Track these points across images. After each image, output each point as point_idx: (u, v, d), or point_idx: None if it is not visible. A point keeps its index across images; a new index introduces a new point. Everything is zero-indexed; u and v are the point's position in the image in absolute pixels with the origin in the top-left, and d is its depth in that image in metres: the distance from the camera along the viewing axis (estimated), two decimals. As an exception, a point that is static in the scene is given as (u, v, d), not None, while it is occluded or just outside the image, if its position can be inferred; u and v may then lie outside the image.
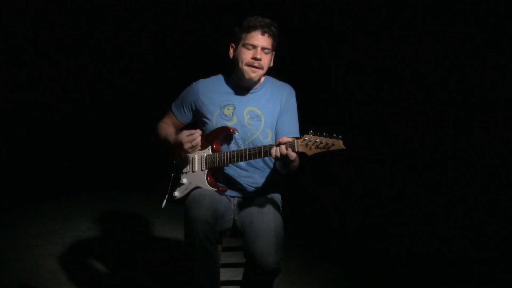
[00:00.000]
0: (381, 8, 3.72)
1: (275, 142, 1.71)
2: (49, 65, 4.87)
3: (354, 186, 3.98)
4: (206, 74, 2.08)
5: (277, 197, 2.02)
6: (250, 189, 1.98)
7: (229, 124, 1.94)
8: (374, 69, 3.87)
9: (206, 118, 1.98)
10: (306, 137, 1.62)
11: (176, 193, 2.01)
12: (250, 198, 1.96)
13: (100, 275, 2.60)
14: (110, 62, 5.07)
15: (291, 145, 1.65)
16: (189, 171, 1.99)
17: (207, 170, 1.94)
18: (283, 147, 1.66)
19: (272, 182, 2.02)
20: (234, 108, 1.96)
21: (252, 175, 1.97)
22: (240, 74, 1.94)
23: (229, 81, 2.02)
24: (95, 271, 2.63)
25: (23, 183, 4.22)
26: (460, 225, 3.13)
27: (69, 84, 5.06)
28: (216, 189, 1.91)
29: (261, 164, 1.98)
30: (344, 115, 3.94)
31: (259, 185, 1.98)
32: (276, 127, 1.98)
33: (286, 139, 1.68)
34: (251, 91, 1.99)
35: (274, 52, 1.95)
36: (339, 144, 1.59)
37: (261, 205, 1.86)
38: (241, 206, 1.95)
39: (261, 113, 1.96)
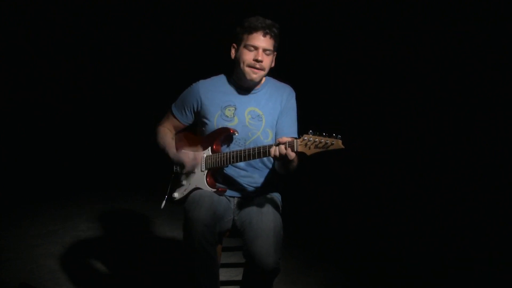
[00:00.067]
0: (381, 8, 3.72)
1: (275, 142, 1.71)
2: (49, 65, 4.86)
3: (354, 186, 3.98)
4: (206, 74, 2.08)
5: (276, 197, 2.02)
6: (250, 189, 1.98)
7: (230, 124, 1.94)
8: (374, 69, 3.87)
9: (207, 119, 1.98)
10: (306, 137, 1.63)
11: (176, 194, 2.01)
12: (249, 198, 1.96)
13: (100, 275, 2.60)
14: (110, 62, 5.07)
15: (290, 145, 1.65)
16: (188, 172, 1.99)
17: (206, 171, 1.94)
18: (282, 147, 1.66)
19: (272, 182, 2.02)
20: (235, 108, 1.96)
21: (252, 175, 1.97)
22: (241, 75, 1.94)
23: (229, 82, 2.02)
24: (95, 271, 2.63)
25: (23, 183, 4.22)
26: (460, 225, 3.13)
27: (69, 84, 5.06)
28: (215, 190, 1.91)
29: (261, 164, 1.98)
30: (344, 115, 3.94)
31: (259, 185, 1.98)
32: (275, 127, 1.98)
33: (285, 139, 1.68)
34: (252, 91, 2.00)
35: (275, 53, 1.95)
36: (338, 143, 1.59)
37: (261, 205, 1.86)
38: (241, 206, 1.95)
39: (262, 113, 1.97)
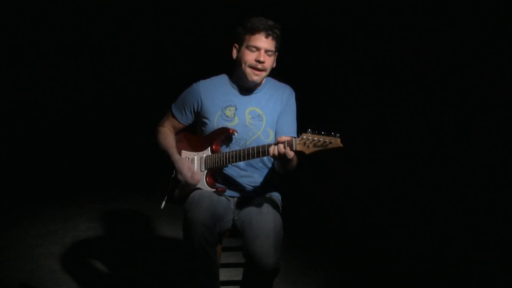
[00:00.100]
0: (381, 8, 3.72)
1: (274, 142, 1.71)
2: (49, 65, 4.86)
3: (354, 186, 3.98)
4: (206, 74, 2.08)
5: (276, 196, 2.02)
6: (250, 189, 1.98)
7: (230, 124, 1.94)
8: (374, 69, 3.87)
9: (207, 119, 1.98)
10: (304, 135, 1.63)
11: (176, 194, 2.01)
12: (249, 198, 1.96)
13: (100, 275, 2.60)
14: (110, 62, 5.07)
15: (289, 144, 1.66)
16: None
17: (206, 171, 1.94)
18: (281, 145, 1.67)
19: (271, 181, 2.02)
20: (236, 108, 1.96)
21: (252, 175, 1.97)
22: (242, 75, 1.94)
23: (230, 82, 2.02)
24: (95, 271, 2.63)
25: (23, 183, 4.22)
26: (460, 225, 3.13)
27: (69, 84, 5.06)
28: (215, 190, 1.91)
29: (261, 164, 1.98)
30: (344, 115, 3.94)
31: (259, 185, 1.98)
32: (275, 127, 1.99)
33: (284, 138, 1.69)
34: (252, 91, 2.00)
35: (276, 53, 1.96)
36: (336, 142, 1.59)
37: (260, 205, 1.86)
38: (241, 206, 1.95)
39: (262, 113, 1.97)
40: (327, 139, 1.60)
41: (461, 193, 3.22)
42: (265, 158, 1.98)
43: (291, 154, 1.66)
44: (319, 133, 1.62)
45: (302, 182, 4.05)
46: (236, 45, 1.95)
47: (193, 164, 1.97)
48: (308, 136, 1.62)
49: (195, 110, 2.02)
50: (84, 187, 4.31)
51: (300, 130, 1.97)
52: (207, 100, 1.99)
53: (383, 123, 3.82)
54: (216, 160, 1.90)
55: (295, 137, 1.67)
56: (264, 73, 1.92)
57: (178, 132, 2.11)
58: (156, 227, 3.42)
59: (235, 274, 2.43)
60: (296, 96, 2.04)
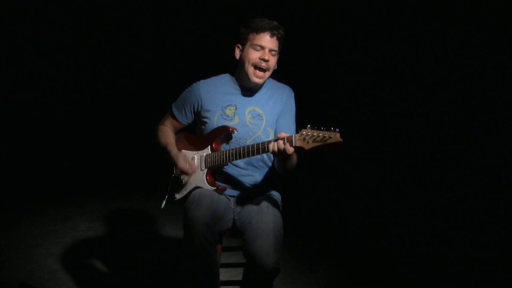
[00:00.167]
0: (381, 8, 3.72)
1: (274, 139, 1.72)
2: (49, 65, 4.87)
3: (354, 186, 3.99)
4: (206, 74, 2.08)
5: (276, 196, 2.02)
6: (250, 188, 1.98)
7: (230, 124, 1.94)
8: (374, 69, 3.87)
9: (207, 118, 1.98)
10: (304, 131, 1.63)
11: (176, 194, 2.01)
12: (249, 197, 1.96)
13: (100, 275, 2.60)
14: (110, 62, 5.07)
15: (289, 140, 1.66)
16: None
17: (206, 170, 1.94)
18: (280, 142, 1.67)
19: (272, 180, 2.02)
20: (236, 108, 1.96)
21: (252, 174, 1.98)
22: (244, 76, 1.94)
23: (231, 82, 2.02)
24: (95, 271, 2.63)
25: (23, 183, 4.22)
26: (460, 225, 3.13)
27: (69, 84, 5.06)
28: (215, 188, 1.91)
29: (261, 163, 1.99)
30: (344, 115, 3.94)
31: (259, 184, 1.98)
32: (275, 126, 1.99)
33: (283, 134, 1.69)
34: (253, 91, 2.00)
35: (278, 55, 1.96)
36: (336, 137, 1.59)
37: (261, 205, 1.86)
38: (241, 205, 1.95)
39: (263, 112, 1.97)
40: (327, 134, 1.60)
41: (461, 193, 3.22)
42: (265, 157, 1.98)
43: (290, 149, 1.66)
44: (319, 128, 1.62)
45: (302, 181, 4.05)
46: (239, 45, 1.96)
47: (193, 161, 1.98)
48: (307, 131, 1.62)
49: (195, 109, 2.02)
50: (84, 187, 4.31)
51: (300, 129, 1.97)
52: (207, 100, 1.99)
53: (383, 123, 3.82)
54: (216, 158, 1.91)
55: (294, 134, 1.68)
56: (267, 74, 1.93)
57: (177, 132, 2.11)
58: (156, 227, 3.42)
59: (235, 274, 2.43)
60: (296, 96, 2.05)
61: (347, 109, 4.01)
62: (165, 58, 5.09)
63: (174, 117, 2.07)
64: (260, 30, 1.88)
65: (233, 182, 1.97)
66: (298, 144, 1.65)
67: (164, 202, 2.05)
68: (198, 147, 1.99)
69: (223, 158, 1.88)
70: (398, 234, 3.29)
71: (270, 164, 2.01)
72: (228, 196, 1.97)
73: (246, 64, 1.91)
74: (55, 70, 4.92)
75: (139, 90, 5.22)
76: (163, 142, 2.04)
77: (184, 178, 1.99)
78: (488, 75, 3.11)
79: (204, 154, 1.95)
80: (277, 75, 2.05)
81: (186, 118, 2.06)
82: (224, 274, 2.26)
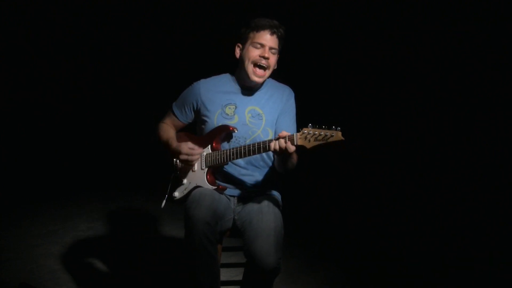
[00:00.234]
0: (381, 8, 3.73)
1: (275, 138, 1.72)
2: (49, 65, 4.87)
3: (354, 186, 3.99)
4: (206, 74, 2.08)
5: (277, 196, 2.02)
6: (250, 187, 1.98)
7: (230, 123, 1.94)
8: (374, 69, 3.87)
9: (207, 117, 1.98)
10: (305, 130, 1.63)
11: (176, 193, 2.01)
12: (249, 197, 1.96)
13: (100, 275, 2.60)
14: (110, 62, 5.07)
15: (290, 138, 1.66)
16: (188, 171, 1.99)
17: (206, 169, 1.94)
18: (282, 140, 1.67)
19: (272, 180, 2.02)
20: (236, 107, 1.97)
21: (252, 174, 1.98)
22: (244, 75, 1.94)
23: (231, 81, 2.03)
24: (95, 271, 2.63)
25: (23, 183, 4.22)
26: (460, 225, 3.13)
27: (69, 84, 5.06)
28: (215, 187, 1.91)
29: (261, 162, 1.99)
30: (344, 115, 3.94)
31: (259, 184, 1.98)
32: (275, 126, 1.99)
33: (285, 133, 1.69)
34: (253, 91, 2.00)
35: (278, 55, 1.96)
36: (337, 135, 1.59)
37: (261, 205, 1.86)
38: (241, 205, 1.95)
39: (262, 112, 1.97)
40: (328, 132, 1.60)
41: (461, 193, 3.22)
42: (265, 157, 1.98)
43: (292, 148, 1.66)
44: (320, 127, 1.62)
45: (302, 181, 4.06)
46: (239, 44, 1.96)
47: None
48: (309, 130, 1.63)
49: (195, 108, 2.02)
50: (84, 187, 4.31)
51: (301, 127, 1.98)
52: (207, 99, 1.99)
53: (383, 123, 3.82)
54: (217, 157, 1.91)
55: (296, 133, 1.68)
56: (267, 72, 1.93)
57: (178, 132, 2.11)
58: (156, 227, 3.42)
59: (235, 274, 2.43)
60: (296, 96, 2.05)
61: (347, 109, 4.01)
62: (165, 58, 5.09)
63: (174, 116, 2.07)
64: (260, 28, 1.89)
65: (234, 181, 1.97)
66: (300, 142, 1.65)
67: (164, 201, 2.05)
68: (199, 146, 1.99)
69: (223, 157, 1.88)
70: (398, 234, 3.29)
71: (270, 163, 2.01)
72: (228, 196, 1.97)
73: (246, 62, 1.91)
74: (55, 70, 4.92)
75: (139, 90, 5.22)
76: (164, 137, 2.04)
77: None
78: (488, 75, 3.11)
79: (205, 153, 1.96)
80: (277, 75, 2.05)
81: (186, 117, 2.06)
82: (224, 274, 2.26)
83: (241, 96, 1.99)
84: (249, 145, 1.79)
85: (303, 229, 3.49)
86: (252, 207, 1.87)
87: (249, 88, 2.00)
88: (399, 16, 3.60)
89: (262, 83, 2.00)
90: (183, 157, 1.91)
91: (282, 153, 1.70)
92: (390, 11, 3.66)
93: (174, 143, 1.98)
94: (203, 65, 3.52)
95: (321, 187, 4.19)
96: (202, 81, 2.04)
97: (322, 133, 1.60)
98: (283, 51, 1.99)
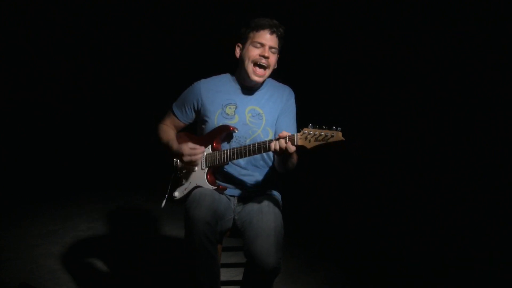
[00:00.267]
0: (381, 8, 3.73)
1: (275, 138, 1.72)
2: (49, 65, 4.87)
3: (354, 186, 3.99)
4: (206, 74, 2.08)
5: (277, 196, 2.03)
6: (250, 187, 1.98)
7: (230, 122, 1.94)
8: (374, 69, 3.87)
9: (207, 117, 1.98)
10: (305, 130, 1.64)
11: (176, 193, 2.01)
12: (250, 197, 1.96)
13: (100, 275, 2.60)
14: (110, 62, 5.07)
15: (291, 139, 1.67)
16: (189, 171, 1.99)
17: (207, 169, 1.94)
18: (282, 140, 1.67)
19: (272, 180, 2.02)
20: (236, 107, 1.97)
21: (253, 174, 1.98)
22: (244, 74, 1.94)
23: (232, 81, 2.03)
24: (95, 271, 2.63)
25: (23, 183, 4.22)
26: (460, 225, 3.13)
27: (69, 84, 5.06)
28: (216, 187, 1.91)
29: (262, 162, 1.99)
30: (344, 115, 3.94)
31: (259, 184, 1.98)
32: (275, 126, 2.00)
33: (285, 133, 1.69)
34: (253, 90, 2.00)
35: (278, 55, 1.96)
36: (338, 135, 1.60)
37: (261, 205, 1.86)
38: (241, 205, 1.95)
39: (262, 112, 1.97)
40: (329, 132, 1.61)
41: (461, 193, 3.22)
42: (265, 156, 1.98)
43: (292, 148, 1.67)
44: (320, 127, 1.62)
45: (302, 181, 4.06)
46: (239, 44, 1.97)
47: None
48: (309, 130, 1.63)
49: (196, 108, 2.02)
50: (84, 187, 4.31)
51: (301, 128, 1.98)
52: (207, 99, 1.99)
53: (383, 123, 3.82)
54: (217, 157, 1.91)
55: (296, 133, 1.68)
56: (266, 73, 1.93)
57: (178, 132, 2.11)
58: (156, 227, 3.42)
59: (235, 274, 2.43)
60: (296, 96, 2.05)
61: (347, 109, 4.01)
62: (165, 58, 5.09)
63: (175, 116, 2.07)
64: (260, 28, 1.89)
65: (234, 181, 1.97)
66: (300, 143, 1.65)
67: (164, 201, 2.05)
68: (199, 146, 1.99)
69: (224, 157, 1.88)
70: (398, 234, 3.29)
71: (270, 163, 2.01)
72: (228, 196, 1.97)
73: (246, 62, 1.91)
74: (55, 70, 4.92)
75: (139, 90, 5.22)
76: (165, 139, 2.04)
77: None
78: (488, 75, 3.11)
79: (205, 154, 1.96)
80: (277, 75, 2.06)
81: (186, 117, 2.06)
82: (224, 274, 2.26)
83: (241, 96, 1.99)
84: (249, 145, 1.79)
85: (303, 229, 3.49)
86: (252, 207, 1.87)
87: (249, 88, 2.00)
88: (399, 16, 3.60)
89: (262, 83, 2.00)
90: (186, 158, 1.91)
91: (282, 153, 1.70)
92: (390, 11, 3.66)
93: (174, 144, 1.98)
94: (203, 65, 3.52)
95: (321, 187, 4.19)
96: (203, 81, 2.04)
97: (322, 133, 1.61)
98: (283, 51, 1.99)
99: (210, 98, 1.99)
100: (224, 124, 1.94)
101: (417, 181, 3.55)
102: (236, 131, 1.93)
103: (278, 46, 1.93)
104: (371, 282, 2.69)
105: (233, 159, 1.86)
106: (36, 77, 4.85)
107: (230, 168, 1.96)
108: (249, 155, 1.80)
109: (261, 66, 1.91)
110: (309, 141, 1.63)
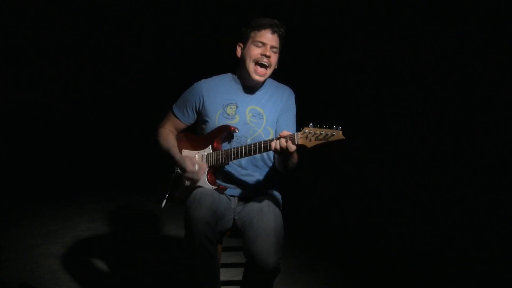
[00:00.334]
0: (381, 8, 3.73)
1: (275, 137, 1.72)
2: (49, 65, 4.87)
3: (354, 186, 3.99)
4: (206, 74, 2.08)
5: (277, 195, 2.03)
6: (251, 188, 1.98)
7: (231, 122, 1.95)
8: (374, 69, 3.87)
9: (208, 117, 1.98)
10: (306, 129, 1.64)
11: (176, 193, 2.01)
12: (250, 197, 1.96)
13: (100, 275, 2.60)
14: (110, 62, 5.07)
15: (291, 138, 1.67)
16: (189, 171, 1.99)
17: (207, 169, 1.94)
18: (283, 140, 1.68)
19: (272, 180, 2.02)
20: (237, 107, 1.97)
21: (253, 174, 1.98)
22: (245, 74, 1.95)
23: (233, 80, 2.03)
24: (95, 271, 2.63)
25: (23, 183, 4.22)
26: (460, 225, 3.13)
27: (69, 84, 5.06)
28: (216, 187, 1.92)
29: (261, 162, 1.99)
30: (344, 115, 3.94)
31: (260, 184, 1.98)
32: (275, 126, 2.00)
33: (286, 132, 1.69)
34: (253, 90, 2.00)
35: (279, 54, 1.97)
36: (338, 134, 1.60)
37: (261, 205, 1.86)
38: (241, 205, 1.95)
39: (263, 112, 1.98)
40: (329, 132, 1.61)
41: (461, 193, 3.22)
42: (266, 157, 1.98)
43: (293, 147, 1.67)
44: (321, 126, 1.63)
45: (302, 181, 4.06)
46: (240, 44, 1.97)
47: None
48: (309, 129, 1.63)
49: (197, 108, 2.02)
50: (84, 187, 4.31)
51: (302, 127, 1.98)
52: (208, 99, 1.99)
53: (383, 123, 3.82)
54: (218, 157, 1.91)
55: (296, 132, 1.68)
56: (268, 72, 1.94)
57: (178, 133, 2.11)
58: (156, 227, 3.42)
59: (235, 274, 2.43)
60: (296, 96, 2.06)
61: (347, 109, 4.01)
62: (165, 58, 5.09)
63: (175, 117, 2.06)
64: (261, 27, 1.90)
65: (234, 181, 1.97)
66: (301, 142, 1.66)
67: (164, 201, 2.05)
68: (199, 146, 1.99)
69: (224, 157, 1.88)
70: (398, 234, 3.29)
71: (270, 164, 2.01)
72: (228, 196, 1.97)
73: (248, 61, 1.91)
74: (55, 70, 4.92)
75: (139, 90, 5.22)
76: (165, 146, 2.02)
77: (188, 179, 1.98)
78: (488, 75, 3.11)
79: (205, 154, 1.96)
80: (277, 75, 2.06)
81: (188, 118, 2.05)
82: (224, 274, 2.26)
83: (241, 95, 1.99)
84: (250, 145, 1.79)
85: (303, 229, 3.49)
86: (252, 207, 1.87)
87: (250, 88, 2.00)
88: (399, 16, 3.60)
89: (263, 83, 2.00)
90: (188, 175, 1.92)
91: (283, 153, 1.70)
92: (390, 11, 3.66)
93: (176, 154, 1.98)
94: (203, 65, 3.52)
95: (321, 186, 4.19)
96: (203, 81, 2.04)
97: (323, 132, 1.61)
98: (283, 51, 1.99)
99: (210, 98, 1.99)
100: (224, 124, 1.94)
101: (417, 181, 3.55)
102: (237, 131, 1.93)
103: (279, 46, 1.94)
104: (371, 282, 2.69)
105: (234, 158, 1.86)
106: (36, 77, 4.85)
107: (231, 168, 1.96)
108: (250, 154, 1.80)
109: (262, 65, 1.91)
110: (310, 140, 1.64)
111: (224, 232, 1.94)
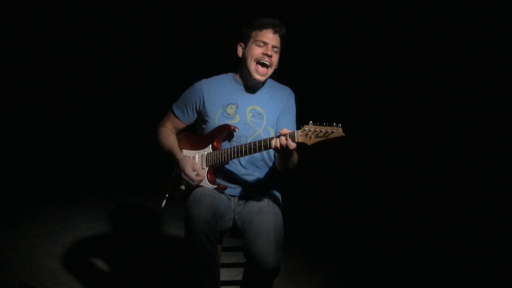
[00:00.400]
0: (381, 8, 3.73)
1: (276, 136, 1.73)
2: (49, 65, 4.87)
3: (354, 186, 3.99)
4: (206, 74, 2.08)
5: (277, 195, 2.03)
6: (251, 187, 1.98)
7: (231, 122, 1.95)
8: (374, 69, 3.87)
9: (208, 117, 1.98)
10: (306, 127, 1.65)
11: (176, 193, 2.01)
12: (250, 197, 1.96)
13: (100, 275, 2.60)
14: (110, 62, 5.07)
15: (291, 136, 1.67)
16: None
17: (207, 168, 1.94)
18: (283, 138, 1.68)
19: (272, 180, 2.02)
20: (237, 106, 1.97)
21: (253, 173, 1.98)
22: (246, 73, 1.95)
23: (232, 81, 2.03)
24: (95, 271, 2.63)
25: (23, 183, 4.22)
26: (460, 225, 3.13)
27: (69, 84, 5.06)
28: (216, 187, 1.92)
29: (261, 162, 1.99)
30: (344, 115, 3.93)
31: (260, 184, 1.98)
32: (275, 126, 2.00)
33: (286, 130, 1.70)
34: (254, 90, 2.01)
35: (279, 55, 1.97)
36: (338, 131, 1.60)
37: (261, 205, 1.86)
38: (241, 205, 1.95)
39: (263, 112, 1.98)
40: (329, 129, 1.61)
41: (461, 193, 3.22)
42: (266, 156, 1.98)
43: (293, 145, 1.67)
44: (321, 124, 1.63)
45: (302, 179, 4.06)
46: (241, 43, 1.97)
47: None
48: (310, 127, 1.64)
49: (197, 108, 2.02)
50: (84, 187, 4.31)
51: (302, 124, 1.98)
52: (208, 98, 1.99)
53: (383, 123, 3.82)
54: (218, 157, 1.91)
55: (296, 130, 1.68)
56: (269, 71, 1.94)
57: (178, 132, 2.11)
58: (156, 227, 3.42)
59: (235, 274, 2.44)
60: (296, 96, 2.06)
61: (347, 109, 4.01)
62: (165, 58, 5.09)
63: (175, 117, 2.06)
64: (263, 27, 1.90)
65: (234, 181, 1.97)
66: (301, 140, 1.66)
67: (164, 201, 2.05)
68: (199, 146, 1.99)
69: (224, 156, 1.88)
70: (398, 234, 3.29)
71: (270, 163, 2.01)
72: (228, 196, 1.97)
73: (249, 60, 1.92)
74: (55, 70, 4.92)
75: (139, 90, 5.22)
76: (167, 145, 2.02)
77: (186, 181, 1.98)
78: (488, 75, 3.11)
79: (205, 153, 1.96)
80: (277, 75, 2.06)
81: (188, 117, 2.05)
82: (224, 274, 2.26)
83: (242, 95, 2.00)
84: (250, 143, 1.79)
85: (303, 229, 3.49)
86: (252, 206, 1.87)
87: (250, 88, 2.00)
88: (399, 16, 3.60)
89: (263, 83, 2.00)
90: (186, 178, 1.92)
91: (283, 151, 1.70)
92: (390, 11, 3.66)
93: (178, 154, 1.98)
94: (203, 65, 3.52)
95: (321, 186, 4.19)
96: (204, 81, 2.04)
97: (323, 129, 1.61)
98: (283, 51, 1.99)
99: (211, 98, 1.99)
100: (224, 123, 1.94)
101: (417, 181, 3.55)
102: (237, 130, 1.93)
103: (280, 46, 1.94)
104: (371, 282, 2.69)
105: (234, 157, 1.86)
106: (36, 77, 4.85)
107: (231, 168, 1.96)
108: (250, 153, 1.80)
109: (263, 65, 1.91)
110: (310, 137, 1.64)
111: (224, 232, 1.94)
